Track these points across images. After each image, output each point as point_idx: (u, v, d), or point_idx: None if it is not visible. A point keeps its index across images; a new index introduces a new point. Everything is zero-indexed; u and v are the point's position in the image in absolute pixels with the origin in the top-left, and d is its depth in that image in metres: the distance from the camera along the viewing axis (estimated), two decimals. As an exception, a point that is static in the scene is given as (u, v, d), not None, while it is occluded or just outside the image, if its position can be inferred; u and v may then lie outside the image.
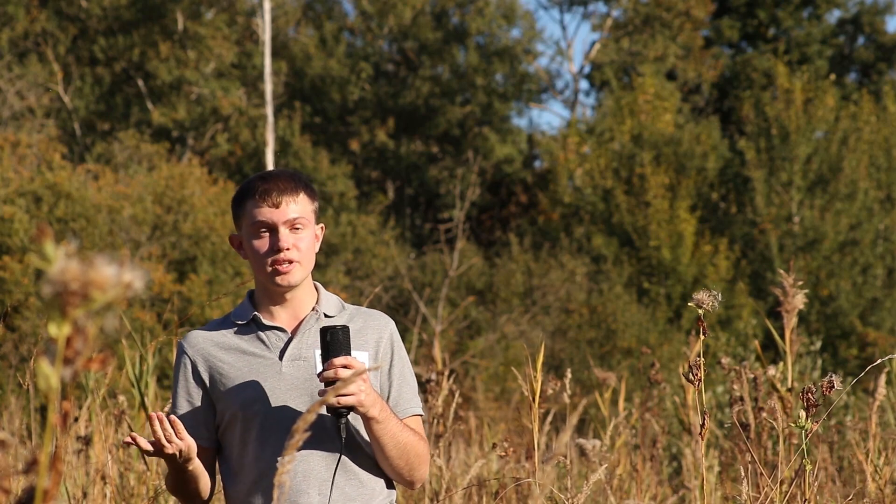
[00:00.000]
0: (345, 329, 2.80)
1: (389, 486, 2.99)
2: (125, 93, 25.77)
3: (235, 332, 2.96)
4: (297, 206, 2.92)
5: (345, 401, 2.75)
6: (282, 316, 2.97)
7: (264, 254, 2.90)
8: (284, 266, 2.90)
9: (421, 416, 3.01)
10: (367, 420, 2.82)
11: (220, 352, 2.94)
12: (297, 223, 2.91)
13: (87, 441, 5.20)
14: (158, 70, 24.75)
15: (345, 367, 2.75)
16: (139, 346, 4.93)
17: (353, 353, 2.90)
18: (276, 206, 2.90)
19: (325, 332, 2.79)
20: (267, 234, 2.91)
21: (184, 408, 2.93)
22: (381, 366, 2.98)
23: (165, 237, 18.18)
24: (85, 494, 4.94)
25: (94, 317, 1.11)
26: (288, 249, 2.89)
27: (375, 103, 27.27)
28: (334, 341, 2.78)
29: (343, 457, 2.89)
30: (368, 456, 2.94)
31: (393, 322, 3.05)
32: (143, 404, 5.02)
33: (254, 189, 2.92)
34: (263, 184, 2.92)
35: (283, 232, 2.89)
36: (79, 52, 25.74)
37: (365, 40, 27.96)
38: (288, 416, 2.86)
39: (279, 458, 2.85)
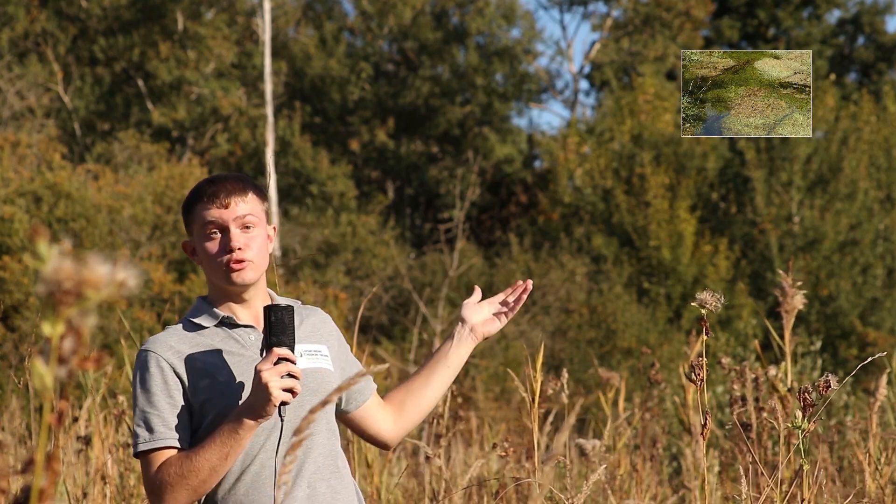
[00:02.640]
0: (289, 309, 2.82)
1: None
2: (125, 93, 25.77)
3: (204, 334, 2.93)
4: (247, 206, 2.92)
5: (286, 396, 2.78)
6: (244, 316, 2.96)
7: (216, 254, 2.90)
8: (238, 265, 2.89)
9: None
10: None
11: (196, 353, 2.90)
12: (248, 222, 2.92)
13: (87, 441, 5.19)
14: (158, 70, 24.75)
15: (283, 358, 2.77)
16: (139, 345, 4.93)
17: (315, 346, 2.97)
18: (226, 206, 2.90)
19: (268, 311, 2.82)
20: (218, 234, 2.91)
21: (167, 410, 2.85)
22: (340, 365, 3.04)
23: (165, 237, 18.18)
24: (85, 494, 4.94)
25: (86, 315, 1.11)
26: (240, 249, 2.89)
27: (375, 103, 27.27)
28: (278, 322, 2.80)
29: (333, 451, 2.95)
30: (344, 456, 3.00)
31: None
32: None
33: (202, 192, 2.93)
34: (211, 186, 2.93)
35: (235, 231, 2.90)
36: (79, 52, 25.75)
37: (365, 40, 27.97)
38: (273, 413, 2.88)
39: (269, 456, 2.87)
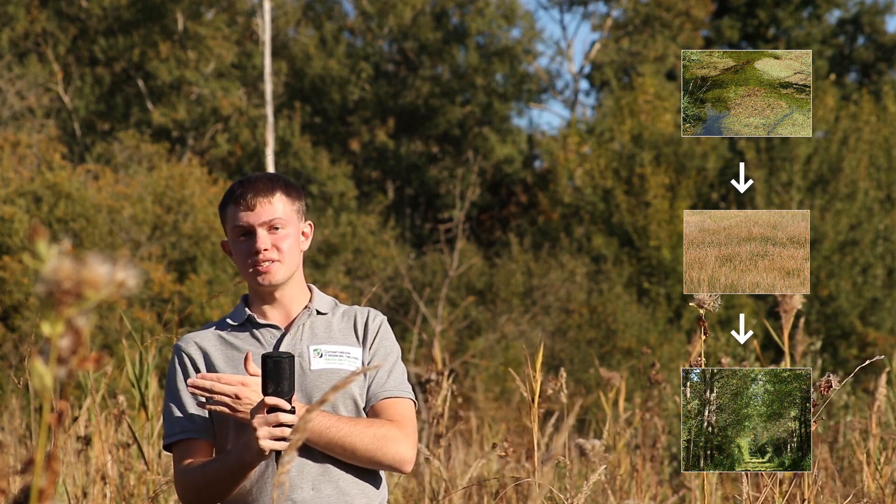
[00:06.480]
0: (290, 358, 2.78)
1: (382, 486, 3.03)
2: (125, 93, 25.76)
3: (230, 332, 3.03)
4: (273, 207, 2.97)
5: (274, 445, 2.76)
6: (274, 315, 3.03)
7: (244, 256, 2.98)
8: (264, 266, 2.96)
9: (394, 397, 2.98)
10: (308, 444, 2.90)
11: (215, 350, 3.01)
12: (275, 223, 2.97)
13: (87, 441, 5.19)
14: (158, 70, 24.74)
15: (274, 407, 2.75)
16: (139, 345, 4.93)
17: (342, 348, 2.97)
18: (251, 208, 2.96)
19: (265, 359, 2.76)
20: (245, 237, 2.98)
21: (191, 406, 2.98)
22: (368, 365, 3.00)
23: (165, 237, 18.17)
24: (85, 494, 4.94)
25: (87, 315, 1.11)
26: (266, 250, 2.95)
27: (375, 103, 27.26)
28: (275, 369, 2.76)
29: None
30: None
31: (383, 316, 3.08)
32: (143, 404, 5.01)
33: (232, 194, 3.01)
34: (240, 188, 3.00)
35: (261, 233, 2.96)
36: (79, 52, 25.74)
37: (365, 40, 27.96)
38: None
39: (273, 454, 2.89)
